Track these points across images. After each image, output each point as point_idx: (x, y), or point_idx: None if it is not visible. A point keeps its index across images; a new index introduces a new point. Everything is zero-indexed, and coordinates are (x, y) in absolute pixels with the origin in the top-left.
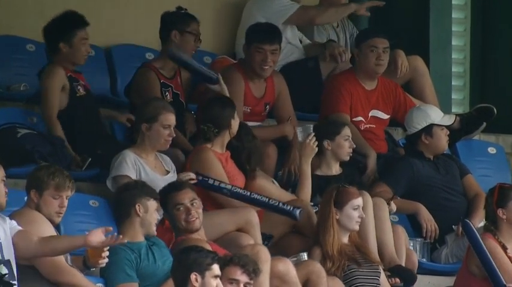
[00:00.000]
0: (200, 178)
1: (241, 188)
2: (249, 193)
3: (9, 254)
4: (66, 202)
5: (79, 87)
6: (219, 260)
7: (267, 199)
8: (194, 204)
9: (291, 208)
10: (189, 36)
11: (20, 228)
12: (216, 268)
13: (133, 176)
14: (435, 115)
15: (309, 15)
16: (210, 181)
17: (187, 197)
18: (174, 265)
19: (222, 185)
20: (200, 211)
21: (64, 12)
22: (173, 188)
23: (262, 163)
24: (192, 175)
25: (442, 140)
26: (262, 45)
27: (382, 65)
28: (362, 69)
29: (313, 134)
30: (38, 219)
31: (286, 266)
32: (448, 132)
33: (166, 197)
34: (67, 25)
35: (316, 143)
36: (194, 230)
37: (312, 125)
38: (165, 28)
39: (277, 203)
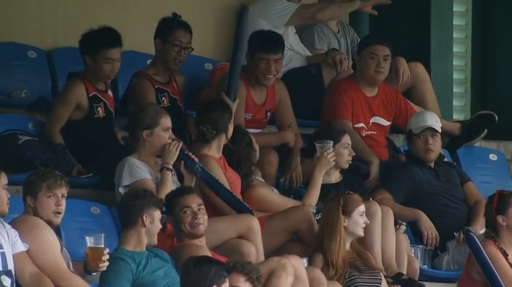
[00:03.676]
0: (186, 150)
1: (210, 173)
2: (216, 179)
3: (11, 264)
4: (63, 201)
5: (99, 108)
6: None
7: (230, 191)
8: (201, 209)
9: (249, 209)
10: (168, 46)
11: (20, 249)
12: (228, 280)
13: (150, 178)
14: (431, 119)
15: (309, 12)
16: (189, 154)
17: (195, 201)
18: (190, 277)
19: (196, 160)
20: (206, 217)
21: (103, 27)
22: (181, 192)
23: (257, 169)
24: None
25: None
26: (266, 55)
27: (382, 72)
28: (362, 75)
29: (332, 149)
30: (39, 225)
31: (298, 261)
32: (437, 135)
33: (174, 200)
34: (98, 40)
35: (334, 157)
36: (198, 235)
37: (331, 142)
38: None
39: (237, 199)
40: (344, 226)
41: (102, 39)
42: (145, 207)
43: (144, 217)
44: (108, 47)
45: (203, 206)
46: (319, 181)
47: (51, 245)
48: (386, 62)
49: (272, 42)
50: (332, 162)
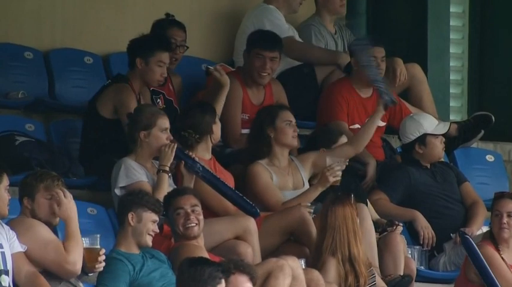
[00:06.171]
0: (181, 148)
1: (211, 172)
2: (218, 178)
3: (10, 264)
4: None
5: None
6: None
7: (233, 189)
8: (195, 210)
9: (253, 206)
10: None
11: (17, 250)
12: (224, 281)
13: (146, 181)
14: (428, 124)
15: (287, 48)
16: (189, 154)
17: (189, 202)
18: (185, 278)
19: (196, 159)
20: (201, 217)
21: (154, 33)
22: (176, 192)
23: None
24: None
25: (437, 148)
26: (262, 52)
27: (382, 74)
28: (361, 78)
29: (335, 167)
30: (35, 225)
31: (296, 262)
32: (444, 139)
33: (169, 201)
34: (152, 43)
35: (335, 179)
36: (191, 236)
37: (342, 161)
38: None
39: (241, 196)
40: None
41: (157, 42)
42: (132, 205)
43: (130, 215)
44: (162, 50)
45: (198, 207)
46: (312, 195)
47: (50, 238)
48: (383, 62)
49: (269, 39)
50: (330, 180)
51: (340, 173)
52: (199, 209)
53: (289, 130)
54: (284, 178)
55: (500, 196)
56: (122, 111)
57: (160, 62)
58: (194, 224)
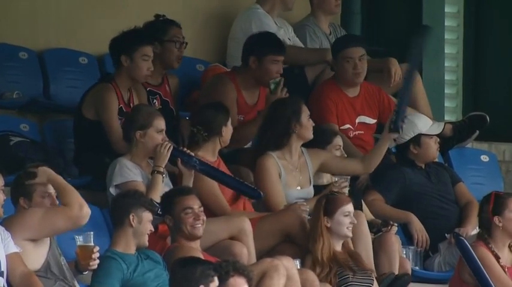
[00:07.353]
0: (175, 146)
1: (208, 163)
2: (216, 168)
3: (4, 265)
4: (57, 200)
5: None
6: (217, 269)
7: (233, 177)
8: (201, 211)
9: (255, 189)
10: (169, 44)
11: (12, 250)
12: (216, 279)
13: (141, 181)
14: (422, 125)
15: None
16: (184, 149)
17: (196, 203)
18: (177, 278)
19: (192, 154)
20: (205, 218)
21: (133, 28)
22: (181, 192)
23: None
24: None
25: (431, 148)
26: (277, 57)
27: (360, 73)
28: (341, 78)
29: (341, 184)
30: (24, 211)
31: (290, 263)
32: (438, 139)
33: (173, 200)
34: (134, 38)
35: (345, 191)
36: (198, 236)
37: (348, 177)
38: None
39: (241, 182)
40: (327, 227)
41: (139, 37)
42: (132, 206)
43: (131, 216)
44: (145, 44)
45: (202, 208)
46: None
47: (43, 209)
48: (362, 61)
49: (280, 43)
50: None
51: (346, 189)
52: (202, 209)
53: (310, 124)
54: (292, 173)
55: (509, 195)
56: (102, 111)
57: (145, 56)
58: (201, 225)
